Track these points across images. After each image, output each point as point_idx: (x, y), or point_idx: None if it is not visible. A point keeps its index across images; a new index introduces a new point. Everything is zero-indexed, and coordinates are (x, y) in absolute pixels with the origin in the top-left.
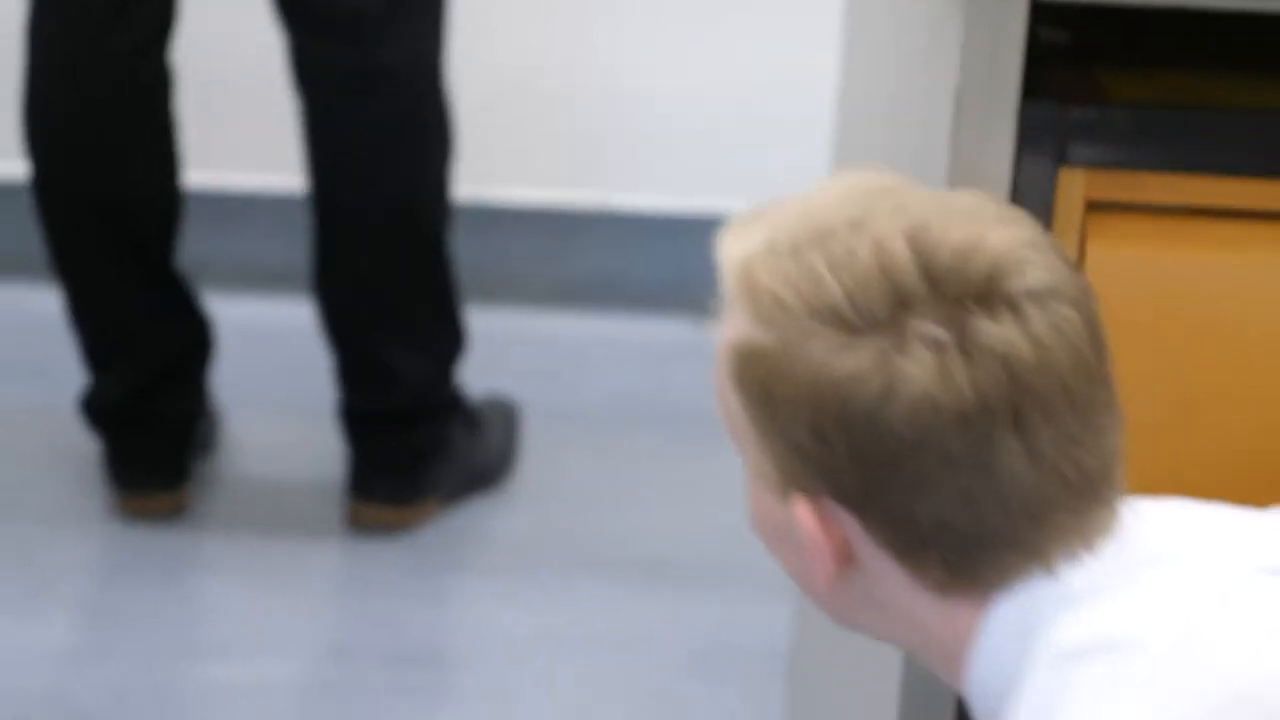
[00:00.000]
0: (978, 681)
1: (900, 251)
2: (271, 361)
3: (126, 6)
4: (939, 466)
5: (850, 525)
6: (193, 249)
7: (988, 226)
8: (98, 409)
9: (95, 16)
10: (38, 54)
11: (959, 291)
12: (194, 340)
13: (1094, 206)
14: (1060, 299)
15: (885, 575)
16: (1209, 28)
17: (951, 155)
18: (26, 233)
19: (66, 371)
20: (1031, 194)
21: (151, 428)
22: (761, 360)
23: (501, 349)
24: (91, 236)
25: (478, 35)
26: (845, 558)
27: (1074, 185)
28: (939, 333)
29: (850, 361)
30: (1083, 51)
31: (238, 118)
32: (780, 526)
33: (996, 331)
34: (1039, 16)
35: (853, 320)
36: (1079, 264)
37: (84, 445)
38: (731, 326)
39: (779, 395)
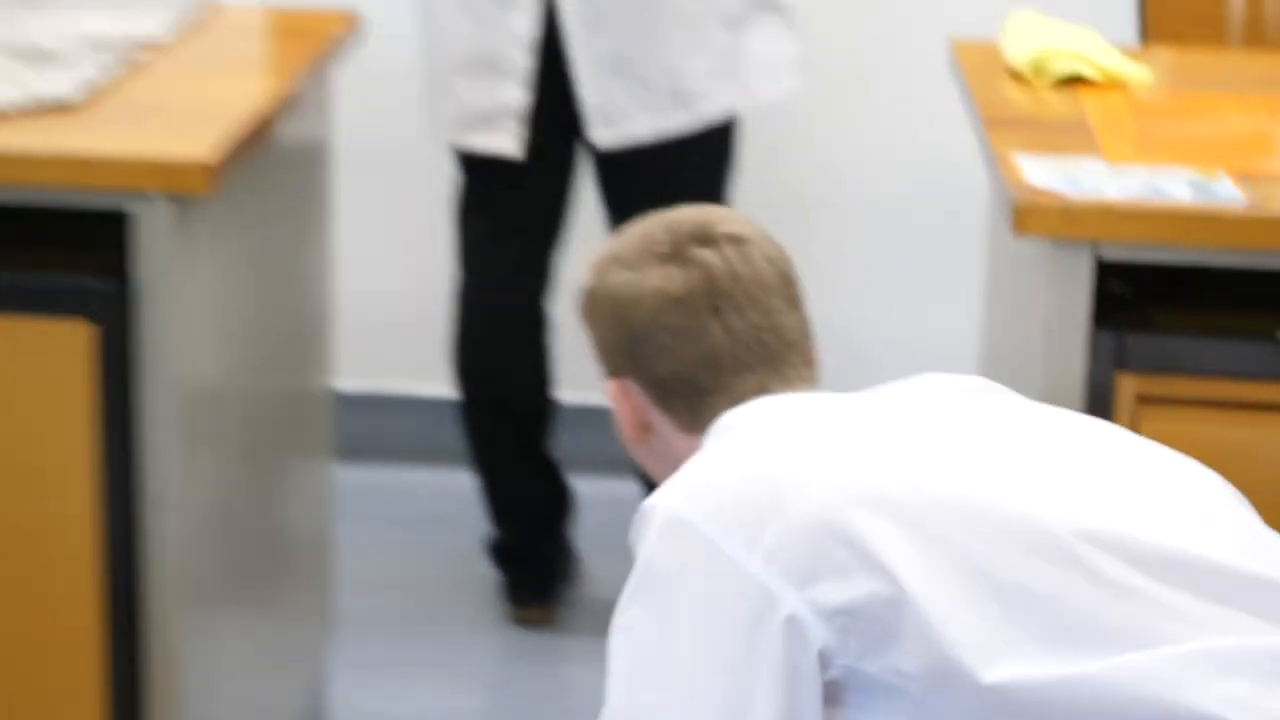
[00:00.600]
0: None
1: (658, 227)
2: (618, 520)
3: (528, 262)
4: (670, 336)
5: (636, 391)
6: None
7: (718, 212)
8: (498, 550)
9: (505, 272)
10: (463, 308)
11: (686, 238)
12: (561, 503)
13: (1143, 400)
14: (749, 244)
15: (662, 428)
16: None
17: (1044, 365)
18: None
19: (478, 524)
20: (1098, 392)
21: (534, 563)
22: (588, 294)
23: None
24: (499, 433)
25: None
26: (641, 422)
27: (1128, 387)
28: (669, 257)
29: (624, 278)
30: (1139, 294)
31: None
32: (614, 408)
33: (701, 253)
34: (1107, 272)
35: (630, 261)
36: None
37: (489, 574)
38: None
39: (595, 311)
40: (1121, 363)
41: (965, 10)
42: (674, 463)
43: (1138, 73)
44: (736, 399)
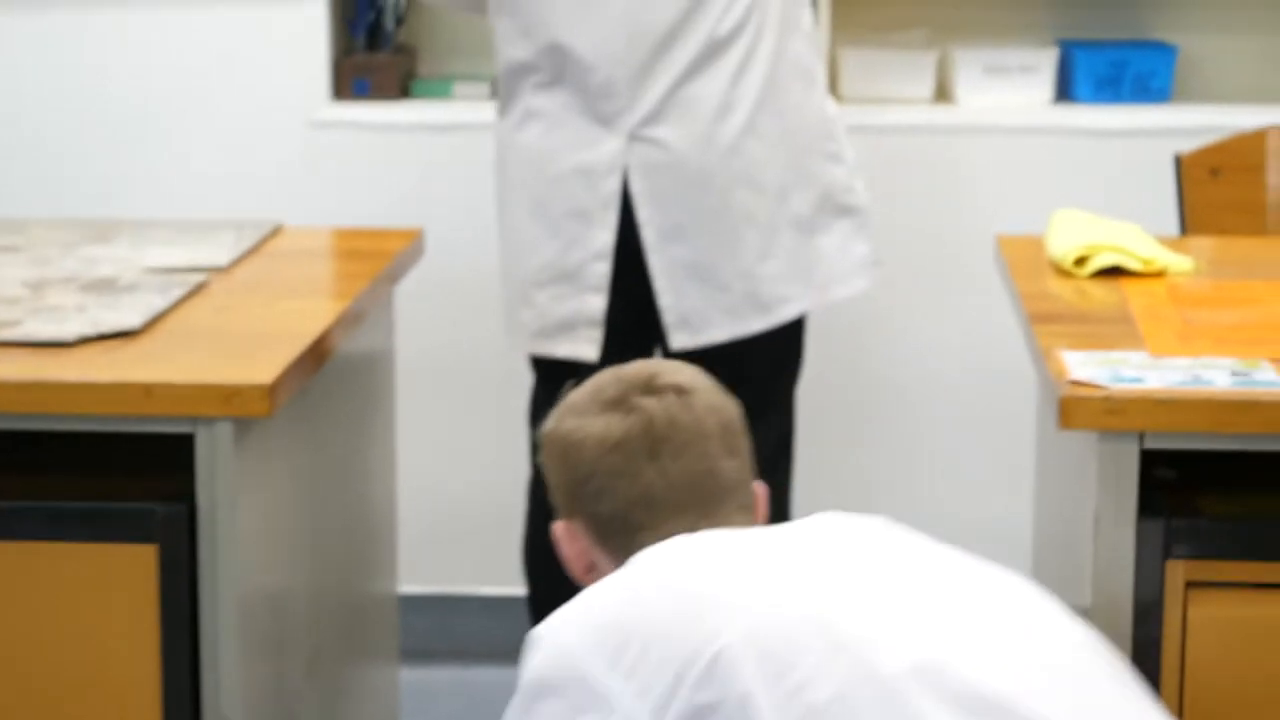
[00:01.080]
0: None
1: (608, 378)
2: None
3: None
4: (609, 479)
5: (581, 532)
6: None
7: (666, 364)
8: None
9: None
10: (537, 506)
11: (631, 387)
12: None
13: (1192, 585)
14: (692, 394)
15: (604, 568)
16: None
17: (1094, 552)
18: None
19: None
20: (1147, 578)
21: None
22: (544, 439)
23: None
24: None
25: None
26: (588, 564)
27: (1177, 572)
28: (614, 404)
29: (570, 425)
30: (1185, 477)
31: None
32: (561, 549)
33: (644, 401)
34: (1153, 459)
35: (579, 409)
36: (1183, 624)
37: None
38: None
39: (548, 455)
40: (1170, 551)
41: (1016, 209)
42: None
43: (1179, 262)
44: (665, 538)
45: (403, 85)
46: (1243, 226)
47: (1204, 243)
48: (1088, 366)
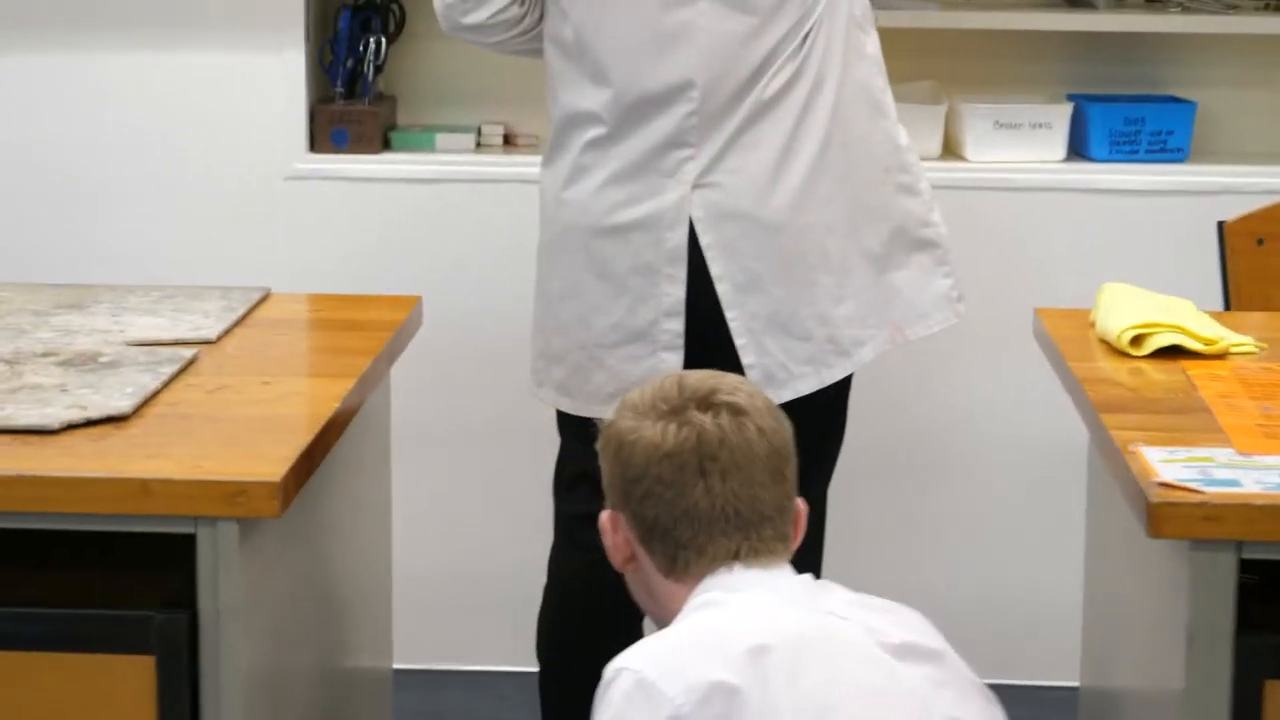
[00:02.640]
0: None
1: (671, 385)
2: None
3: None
4: (657, 486)
5: (625, 526)
6: None
7: (728, 380)
8: None
9: (599, 560)
10: (558, 583)
11: (690, 399)
12: None
13: None
14: (746, 416)
15: (645, 564)
16: None
17: (1187, 668)
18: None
19: None
20: (1246, 698)
21: None
22: (602, 430)
23: None
24: (582, 715)
25: None
26: (628, 554)
27: (1277, 694)
28: (670, 414)
29: (628, 425)
30: (1267, 584)
31: None
32: (605, 537)
33: (698, 417)
34: (1246, 568)
35: (639, 410)
36: None
37: None
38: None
39: (604, 447)
40: (1273, 670)
41: (1031, 268)
42: (652, 595)
43: (1241, 342)
44: (712, 559)
45: (383, 136)
46: None
47: (1253, 319)
48: (1172, 465)
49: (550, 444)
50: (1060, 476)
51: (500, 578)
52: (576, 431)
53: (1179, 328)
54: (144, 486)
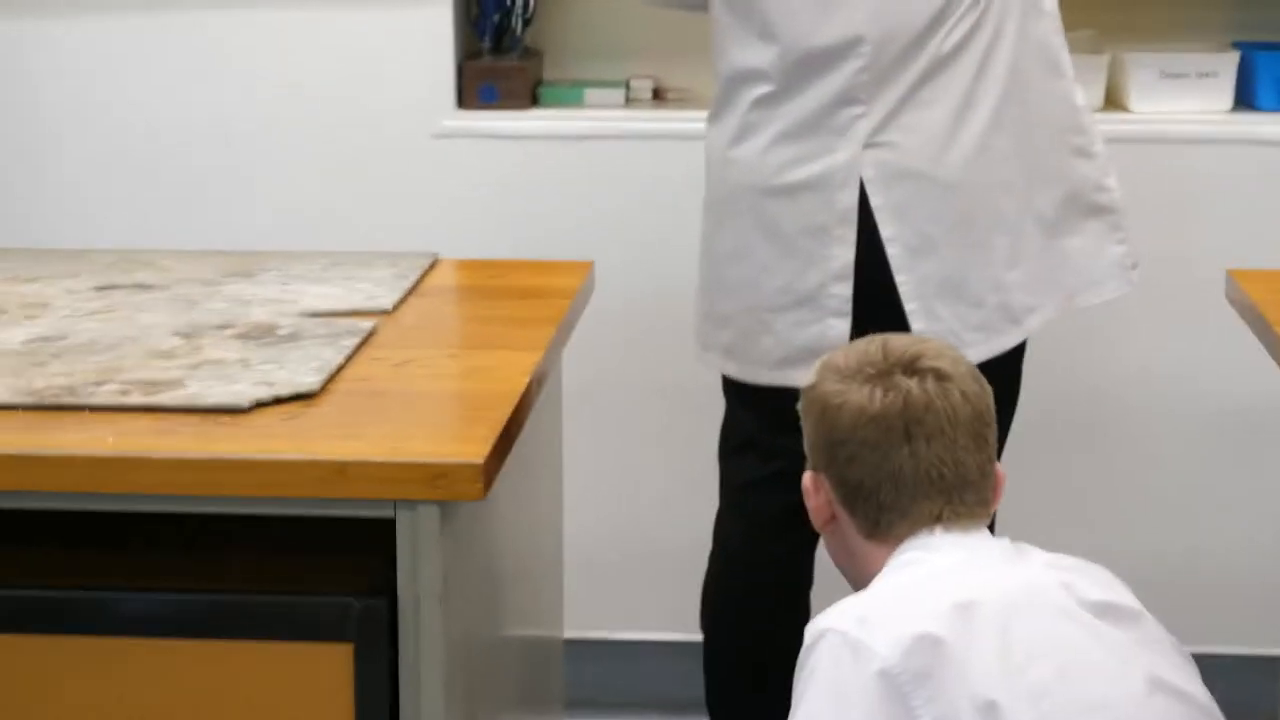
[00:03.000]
0: None
1: (875, 349)
2: None
3: (788, 518)
4: (862, 449)
5: (827, 488)
6: None
7: (931, 345)
8: None
9: (768, 524)
10: (721, 551)
11: (895, 363)
12: None
13: None
14: (950, 381)
15: (846, 526)
16: None
17: None
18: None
19: None
20: None
21: None
22: (806, 393)
23: None
24: (749, 688)
25: None
26: (829, 515)
27: None
28: (877, 378)
29: (834, 388)
30: None
31: None
32: (807, 498)
33: (904, 382)
34: None
35: (844, 373)
36: None
37: None
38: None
39: (807, 409)
40: None
41: (1200, 222)
42: (851, 556)
43: None
44: (914, 521)
45: (531, 92)
46: None
47: None
48: None
49: (720, 407)
50: (1241, 440)
51: (670, 545)
52: (744, 397)
53: None
54: (341, 469)
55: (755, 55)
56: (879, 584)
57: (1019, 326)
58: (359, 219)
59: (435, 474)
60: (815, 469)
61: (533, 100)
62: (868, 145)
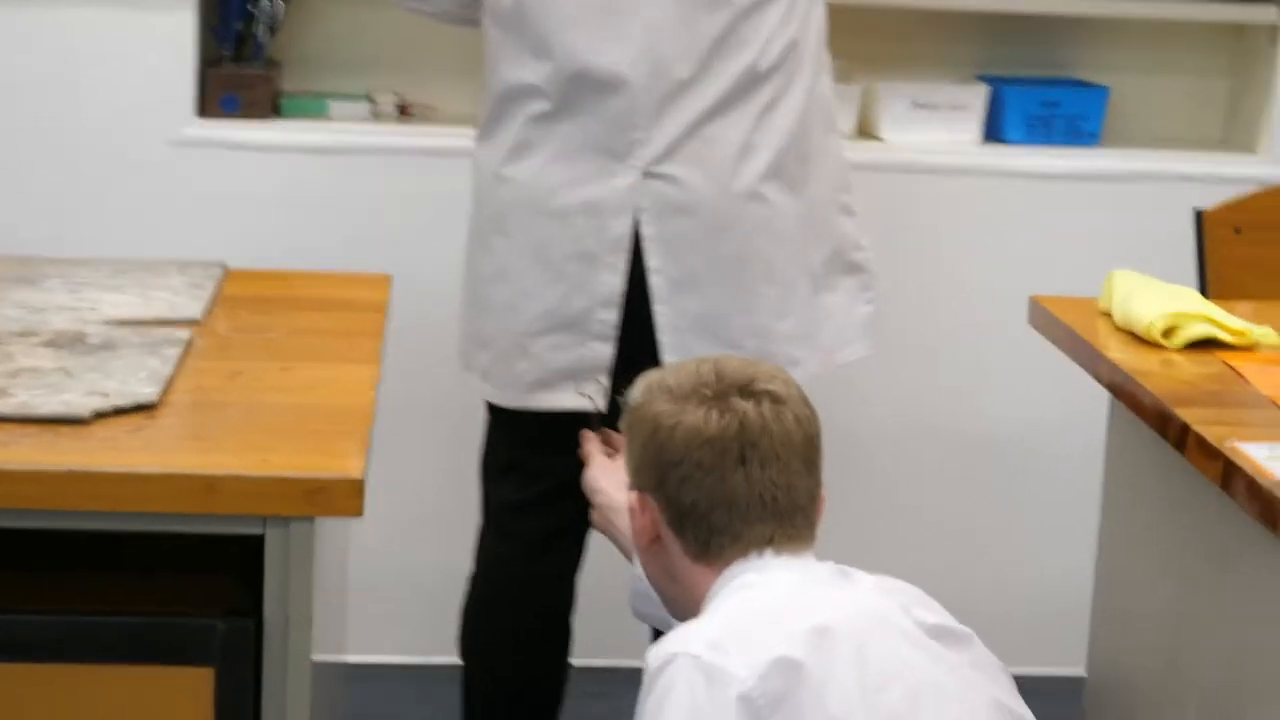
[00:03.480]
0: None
1: (708, 370)
2: None
3: (551, 542)
4: (696, 471)
5: (654, 509)
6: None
7: (764, 368)
8: None
9: (532, 547)
10: (483, 573)
11: (731, 386)
12: None
13: None
14: (785, 405)
15: (671, 547)
16: None
17: None
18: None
19: None
20: None
21: None
22: (633, 411)
23: None
24: (504, 712)
25: None
26: (654, 535)
27: None
28: (712, 400)
29: (666, 408)
30: None
31: None
32: (632, 517)
33: (740, 404)
34: None
35: (677, 394)
36: None
37: None
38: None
39: (635, 428)
40: None
41: (950, 249)
42: (674, 578)
43: (1265, 334)
44: (746, 545)
45: (272, 102)
46: (1265, 289)
47: (1245, 308)
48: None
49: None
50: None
51: (430, 566)
52: (503, 420)
53: (1209, 319)
54: (210, 484)
55: (529, 72)
56: (722, 606)
57: None
58: (93, 224)
59: (313, 489)
60: (642, 489)
61: (274, 111)
62: (647, 174)
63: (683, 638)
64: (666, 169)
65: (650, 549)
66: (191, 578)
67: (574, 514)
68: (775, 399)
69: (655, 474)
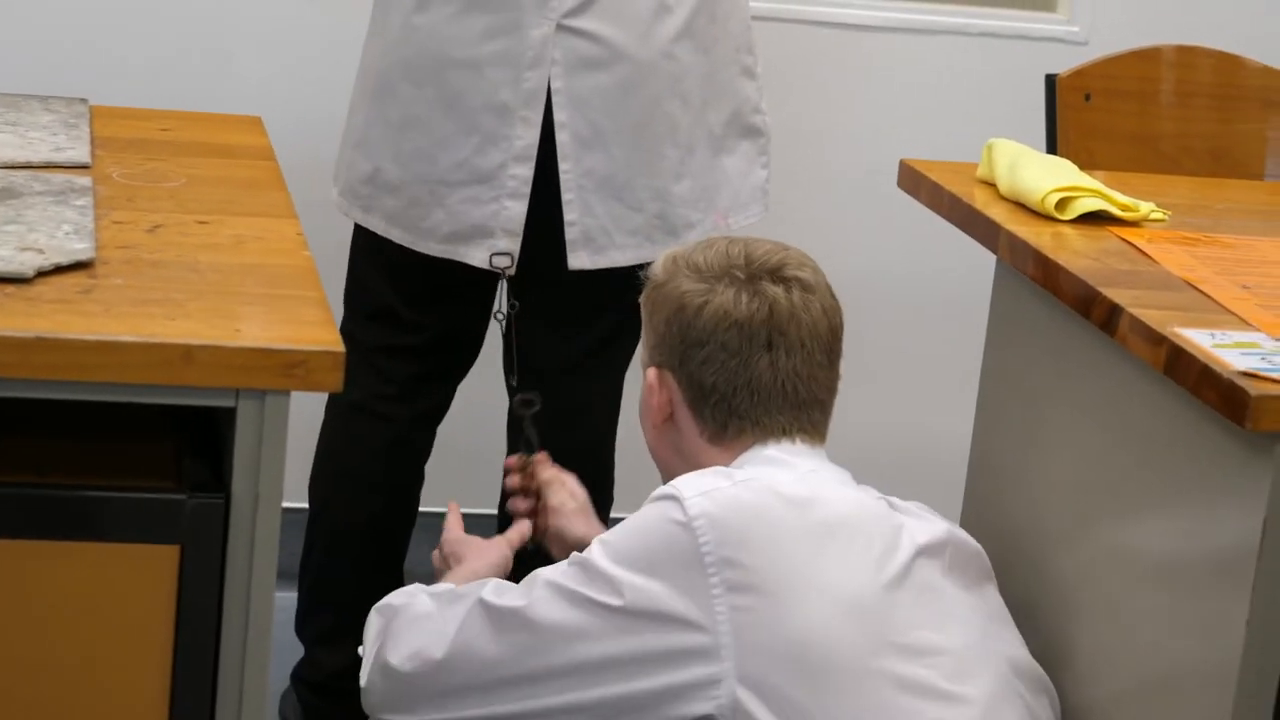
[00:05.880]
0: None
1: (738, 251)
2: None
3: (422, 385)
4: (720, 353)
5: (672, 387)
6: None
7: (793, 254)
8: (313, 682)
9: (400, 388)
10: (340, 404)
11: (760, 269)
12: None
13: None
14: (813, 293)
15: (685, 426)
16: None
17: (1260, 560)
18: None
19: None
20: None
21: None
22: (657, 288)
23: None
24: (354, 551)
25: None
26: (668, 414)
27: None
28: (743, 282)
29: (694, 287)
30: None
31: None
32: (645, 392)
33: (771, 289)
34: None
35: (706, 274)
36: None
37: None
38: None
39: (658, 305)
40: None
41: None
42: (682, 456)
43: (1151, 210)
44: (763, 432)
45: None
46: (1113, 157)
47: (1100, 177)
48: (1229, 352)
49: None
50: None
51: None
52: (384, 266)
53: (1099, 193)
54: (187, 353)
55: None
56: (751, 471)
57: (674, 239)
58: None
59: (292, 361)
60: (660, 366)
61: None
62: (560, 27)
63: (688, 483)
64: (580, 23)
65: (663, 427)
66: (137, 450)
67: (449, 364)
68: (805, 287)
69: (678, 352)
